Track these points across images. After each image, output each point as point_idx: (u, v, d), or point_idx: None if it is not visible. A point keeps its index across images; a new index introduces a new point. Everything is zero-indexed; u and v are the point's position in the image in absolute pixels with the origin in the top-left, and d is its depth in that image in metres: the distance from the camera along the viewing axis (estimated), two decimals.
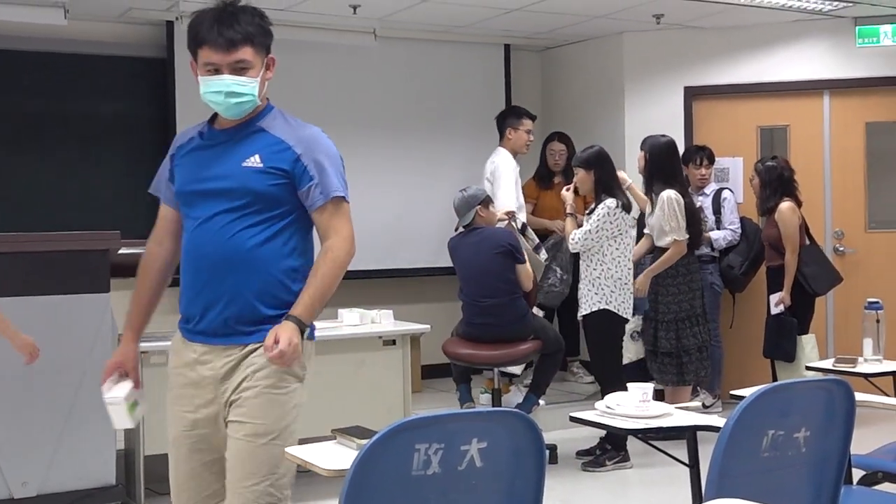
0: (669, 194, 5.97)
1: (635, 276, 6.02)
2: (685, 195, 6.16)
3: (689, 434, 3.19)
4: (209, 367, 2.92)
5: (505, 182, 6.95)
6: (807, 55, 7.77)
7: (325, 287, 2.91)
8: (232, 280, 2.88)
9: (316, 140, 2.96)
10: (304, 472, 2.88)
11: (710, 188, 7.37)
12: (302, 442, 2.99)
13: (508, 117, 7.30)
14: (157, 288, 3.11)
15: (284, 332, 2.82)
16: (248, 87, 2.92)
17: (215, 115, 3.02)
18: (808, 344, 6.53)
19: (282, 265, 2.92)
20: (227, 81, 2.88)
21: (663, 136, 6.28)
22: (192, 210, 2.94)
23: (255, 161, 2.89)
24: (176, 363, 3.01)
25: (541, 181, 7.88)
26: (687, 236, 6.05)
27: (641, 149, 6.25)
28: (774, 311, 6.56)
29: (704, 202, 7.21)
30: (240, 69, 2.92)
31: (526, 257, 5.98)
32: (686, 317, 6.07)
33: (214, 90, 2.89)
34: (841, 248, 7.74)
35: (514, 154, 7.19)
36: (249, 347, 2.92)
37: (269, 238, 2.90)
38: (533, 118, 7.33)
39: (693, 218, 6.14)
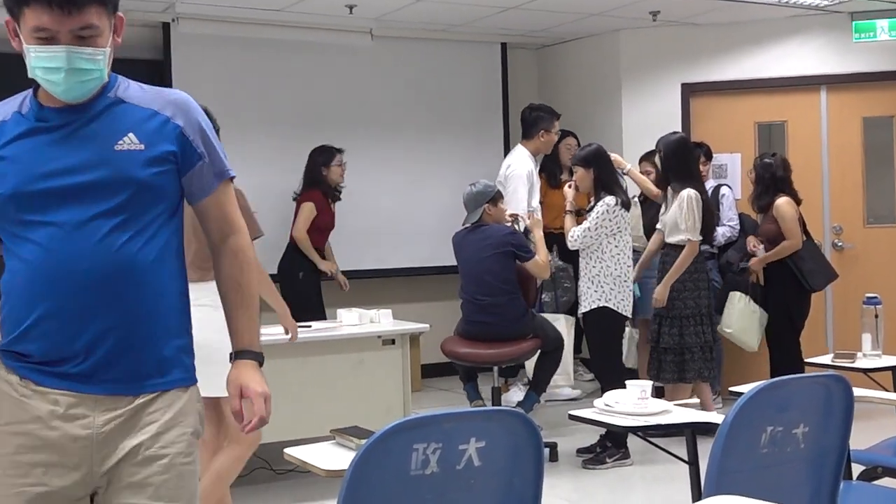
0: (690, 193, 5.92)
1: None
2: (701, 192, 6.07)
3: (687, 431, 3.19)
4: (81, 425, 2.17)
5: (520, 187, 6.76)
6: (804, 51, 7.77)
7: (256, 305, 2.40)
8: (124, 307, 2.19)
9: (189, 104, 2.33)
10: (303, 472, 2.88)
11: (709, 184, 7.36)
12: (301, 442, 2.99)
13: (544, 118, 6.86)
14: None
15: (257, 384, 2.32)
16: (96, 61, 2.19)
17: (37, 87, 2.27)
18: (739, 301, 6.57)
19: (178, 285, 2.31)
20: (70, 55, 2.15)
21: (674, 132, 6.27)
22: (46, 215, 2.18)
23: (131, 142, 2.22)
24: (9, 417, 2.20)
25: (550, 179, 7.85)
26: (700, 238, 5.98)
27: (657, 149, 6.23)
28: (742, 263, 6.71)
29: None
30: (85, 37, 2.17)
31: (536, 249, 5.98)
32: (691, 314, 5.99)
33: (50, 65, 2.16)
34: (839, 244, 7.74)
35: (536, 154, 7.02)
36: (143, 399, 2.22)
37: (162, 249, 2.26)
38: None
39: (707, 214, 6.05)
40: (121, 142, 2.21)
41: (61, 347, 2.18)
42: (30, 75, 2.21)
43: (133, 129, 2.23)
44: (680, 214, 5.93)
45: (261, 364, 2.38)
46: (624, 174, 6.38)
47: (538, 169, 7.19)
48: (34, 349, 2.20)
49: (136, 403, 2.21)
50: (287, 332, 4.72)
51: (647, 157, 6.96)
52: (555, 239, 7.18)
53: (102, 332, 2.18)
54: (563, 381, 7.13)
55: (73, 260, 2.16)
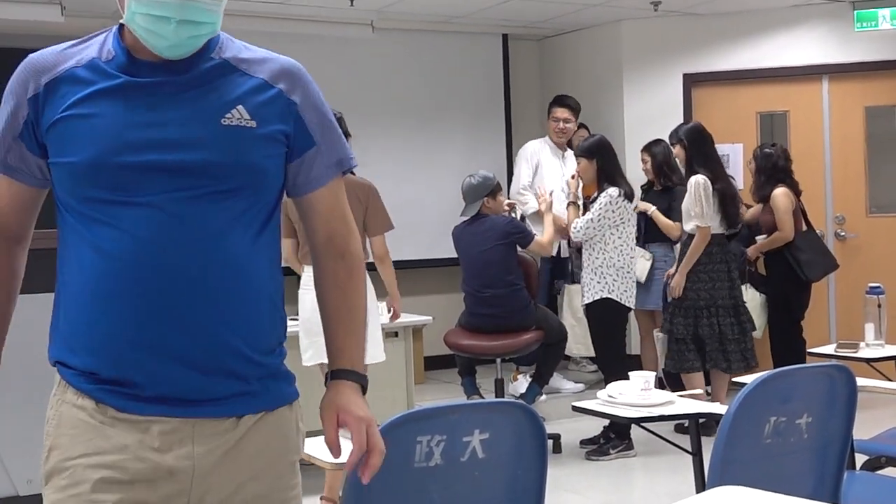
0: (698, 179, 5.87)
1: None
2: (719, 179, 5.95)
3: (691, 422, 3.20)
4: (179, 456, 1.76)
5: (521, 164, 6.99)
6: (805, 40, 7.76)
7: (363, 319, 2.01)
8: (223, 313, 1.78)
9: (305, 77, 1.93)
10: (307, 466, 2.88)
11: None
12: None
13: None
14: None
15: (358, 407, 1.90)
16: (214, 12, 1.81)
17: (121, 29, 1.85)
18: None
19: (275, 287, 1.90)
20: (185, 4, 1.75)
21: (692, 121, 6.22)
22: (136, 194, 1.75)
23: (241, 117, 1.82)
24: (86, 448, 1.76)
25: None
26: (710, 224, 5.88)
27: (673, 141, 6.18)
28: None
29: None
30: None
31: (544, 225, 6.00)
32: (705, 306, 5.91)
33: (158, 13, 1.75)
34: (842, 233, 7.74)
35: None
36: (247, 423, 1.83)
37: (265, 246, 1.87)
38: (564, 105, 7.29)
39: (727, 203, 5.93)
40: (229, 115, 1.81)
41: (149, 363, 1.75)
42: (125, 21, 1.80)
43: (243, 100, 1.83)
44: (690, 201, 5.89)
45: (364, 390, 1.95)
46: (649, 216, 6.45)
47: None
48: (112, 366, 1.75)
49: (239, 428, 1.80)
50: (389, 311, 5.16)
51: (646, 149, 6.94)
52: None
53: (199, 343, 1.76)
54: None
55: (169, 253, 1.74)
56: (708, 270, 5.93)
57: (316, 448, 2.77)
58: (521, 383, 6.42)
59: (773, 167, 6.56)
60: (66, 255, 1.82)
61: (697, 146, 5.98)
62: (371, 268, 5.04)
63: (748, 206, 7.13)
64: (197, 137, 1.78)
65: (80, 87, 1.78)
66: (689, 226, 5.95)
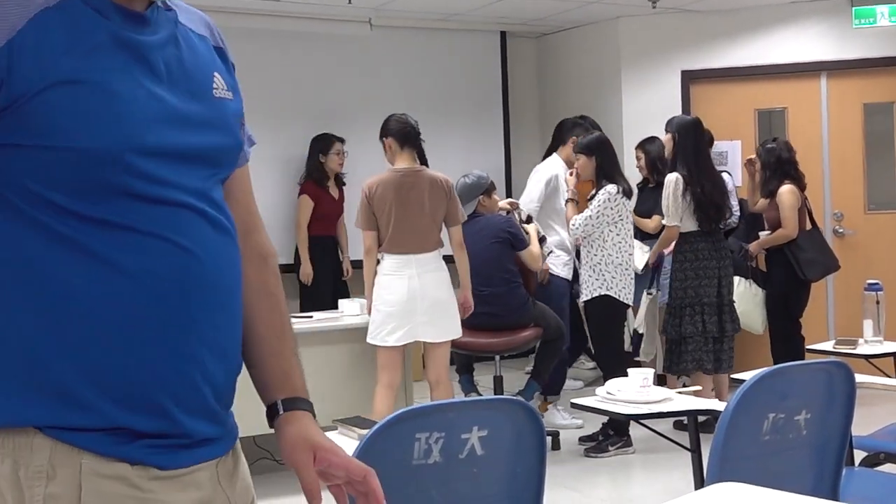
0: (671, 177, 5.87)
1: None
2: (701, 177, 5.86)
3: (690, 418, 3.20)
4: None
5: (535, 186, 6.64)
6: (804, 37, 7.76)
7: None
8: (237, 331, 1.51)
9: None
10: None
11: None
12: None
13: (579, 124, 6.80)
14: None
15: (336, 447, 1.59)
16: None
17: None
18: (739, 285, 6.48)
19: None
20: None
21: (687, 115, 6.19)
22: (167, 189, 1.38)
23: (222, 88, 1.53)
24: None
25: None
26: (676, 223, 5.85)
27: (667, 130, 6.15)
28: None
29: None
30: None
31: (530, 240, 5.98)
32: (690, 304, 5.89)
33: None
34: (840, 230, 7.74)
35: (568, 161, 6.70)
36: (233, 455, 1.53)
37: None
38: None
39: (706, 202, 5.85)
40: (215, 85, 1.51)
41: (193, 403, 1.41)
42: None
43: (216, 67, 1.54)
44: (665, 199, 5.90)
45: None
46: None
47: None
48: (153, 415, 1.36)
49: (231, 460, 1.52)
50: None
51: (640, 146, 6.93)
52: None
53: (224, 370, 1.47)
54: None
55: (209, 267, 1.41)
56: (695, 268, 5.91)
57: None
58: (552, 414, 6.33)
59: (777, 160, 6.54)
60: (32, 275, 1.32)
61: (684, 140, 5.93)
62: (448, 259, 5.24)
63: (745, 200, 7.12)
64: (203, 113, 1.47)
65: (66, 40, 1.32)
66: (663, 221, 6.00)
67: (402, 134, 5.27)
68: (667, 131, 6.11)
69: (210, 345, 1.41)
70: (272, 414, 1.60)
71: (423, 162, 5.35)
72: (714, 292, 5.92)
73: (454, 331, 5.30)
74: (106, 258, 1.34)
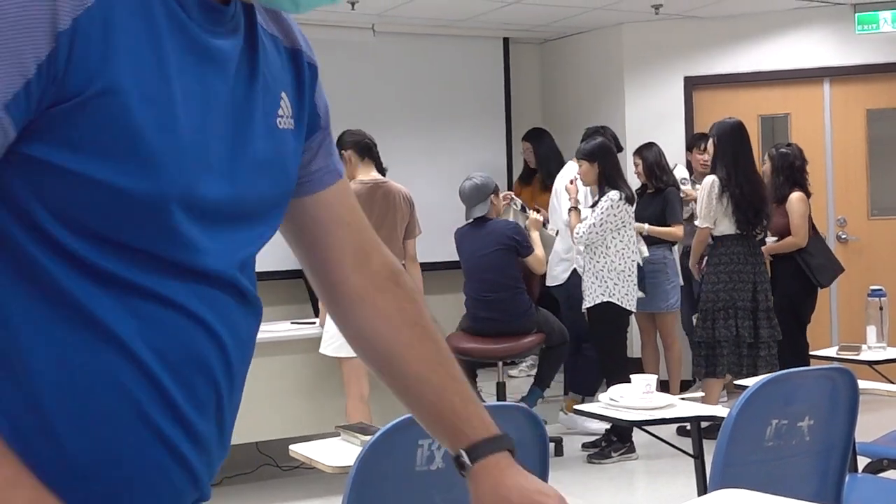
0: (707, 179, 5.88)
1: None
2: (740, 182, 5.82)
3: (692, 424, 3.20)
4: None
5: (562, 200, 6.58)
6: (806, 43, 7.76)
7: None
8: (234, 414, 1.21)
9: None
10: (309, 469, 2.88)
11: (711, 177, 7.35)
12: (306, 438, 2.99)
13: (604, 133, 6.60)
14: None
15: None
16: None
17: None
18: None
19: None
20: None
21: (730, 118, 6.10)
22: (198, 252, 1.08)
23: (287, 117, 1.24)
24: None
25: (523, 180, 8.08)
26: (709, 225, 5.85)
27: (710, 135, 6.14)
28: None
29: None
30: None
31: (534, 243, 5.99)
32: (724, 307, 5.84)
33: None
34: (844, 236, 7.73)
35: None
36: None
37: None
38: None
39: (745, 205, 5.81)
40: (280, 112, 1.22)
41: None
42: None
43: (283, 85, 1.25)
44: (700, 200, 5.91)
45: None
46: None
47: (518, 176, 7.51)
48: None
49: None
50: None
51: (637, 152, 6.93)
52: None
53: (213, 465, 1.18)
54: None
55: (236, 356, 1.15)
56: (729, 271, 5.87)
57: (317, 451, 2.78)
58: (577, 416, 6.27)
59: (791, 167, 6.52)
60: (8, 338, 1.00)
61: (724, 145, 5.92)
62: None
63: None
64: (267, 154, 1.17)
65: (134, 33, 1.00)
66: (696, 222, 6.00)
67: (360, 146, 5.28)
68: (710, 135, 6.15)
69: (206, 442, 1.13)
70: (460, 465, 1.33)
71: (383, 174, 5.37)
72: (749, 297, 5.87)
73: None
74: (142, 335, 1.04)
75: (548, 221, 6.54)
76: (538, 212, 6.40)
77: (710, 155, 6.09)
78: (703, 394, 5.73)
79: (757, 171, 6.12)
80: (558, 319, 6.19)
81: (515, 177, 8.45)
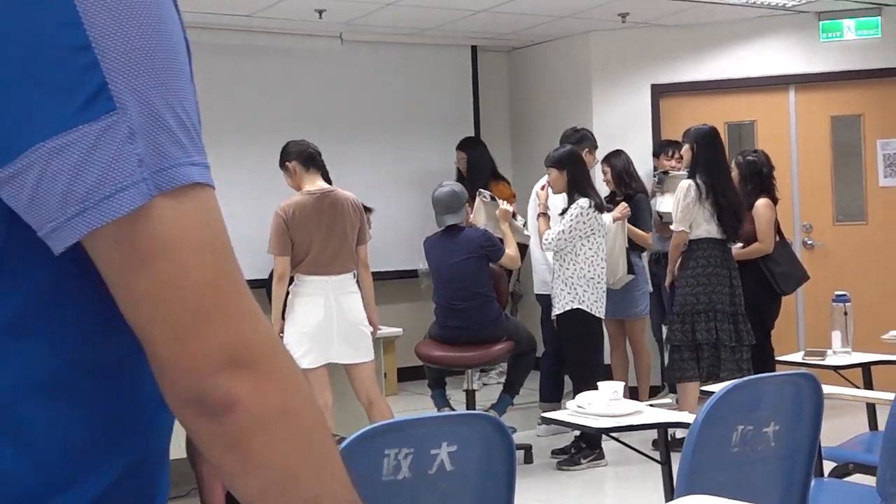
0: (684, 183, 5.86)
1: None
2: (720, 188, 5.84)
3: (659, 431, 3.21)
4: None
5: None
6: (772, 50, 7.83)
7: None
8: None
9: None
10: None
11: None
12: None
13: (588, 137, 6.68)
14: None
15: None
16: None
17: None
18: None
19: None
20: None
21: (704, 124, 6.11)
22: None
23: None
24: None
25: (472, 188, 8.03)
26: (684, 228, 5.83)
27: (684, 141, 6.15)
28: None
29: None
30: None
31: (506, 237, 6.00)
32: (703, 310, 5.84)
33: None
34: (810, 242, 7.80)
35: None
36: None
37: None
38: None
39: (729, 211, 5.85)
40: None
41: None
42: None
43: None
44: (675, 203, 5.90)
45: None
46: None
47: None
48: None
49: None
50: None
51: (605, 160, 6.94)
52: None
53: None
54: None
55: None
56: (707, 274, 5.87)
57: None
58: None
59: (759, 174, 6.54)
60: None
61: (705, 150, 5.92)
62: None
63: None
64: None
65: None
66: (671, 226, 5.99)
67: (304, 156, 5.29)
68: (684, 142, 6.14)
69: None
70: None
71: (329, 182, 5.38)
72: (727, 300, 5.88)
73: (369, 352, 5.33)
74: None
75: (516, 213, 6.52)
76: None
77: (687, 160, 6.08)
78: (670, 400, 5.74)
79: (732, 177, 6.16)
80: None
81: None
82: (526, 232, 6.46)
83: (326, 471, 0.95)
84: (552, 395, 6.51)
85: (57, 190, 0.85)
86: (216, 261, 0.91)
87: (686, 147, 6.05)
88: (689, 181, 5.87)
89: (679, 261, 6.00)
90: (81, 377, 0.93)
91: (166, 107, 0.89)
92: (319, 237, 5.16)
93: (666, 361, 6.29)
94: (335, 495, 0.95)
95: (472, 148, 7.97)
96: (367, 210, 7.19)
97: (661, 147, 7.46)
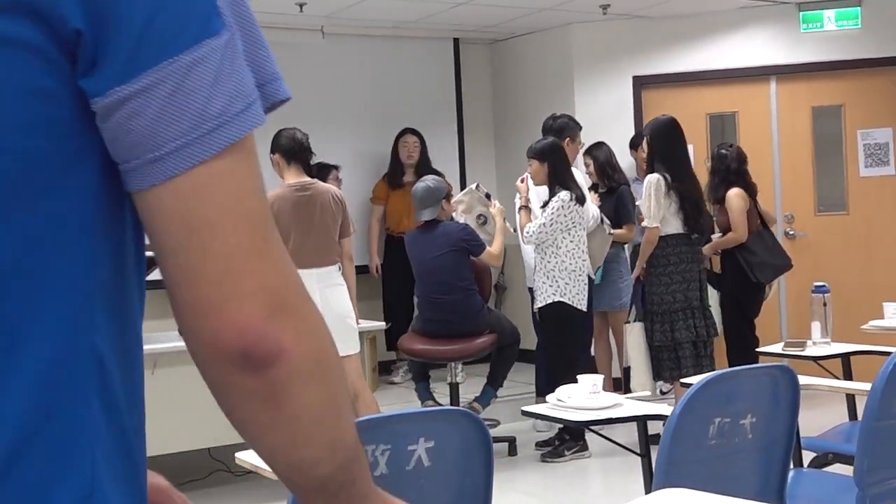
0: (651, 178, 5.81)
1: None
2: (681, 180, 5.83)
3: (639, 423, 3.22)
4: None
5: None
6: (753, 42, 7.85)
7: None
8: None
9: None
10: (252, 475, 2.87)
11: None
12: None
13: (569, 126, 6.50)
14: None
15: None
16: None
17: None
18: None
19: None
20: None
21: (664, 115, 6.08)
22: None
23: None
24: None
25: (392, 180, 7.98)
26: (657, 224, 5.79)
27: (643, 134, 6.12)
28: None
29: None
30: None
31: (497, 233, 6.02)
32: (680, 308, 5.82)
33: None
34: (792, 232, 7.83)
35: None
36: None
37: None
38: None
39: (689, 202, 5.83)
40: None
41: None
42: None
43: None
44: (642, 199, 5.87)
45: None
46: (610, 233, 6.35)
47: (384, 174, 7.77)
48: None
49: None
50: None
51: (587, 152, 6.95)
52: (396, 242, 7.24)
53: None
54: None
55: None
56: (681, 271, 5.85)
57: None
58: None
59: (727, 170, 6.56)
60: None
61: (661, 143, 5.89)
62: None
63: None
64: None
65: None
66: (644, 223, 5.94)
67: (288, 150, 5.30)
68: (643, 135, 6.12)
69: None
70: None
71: (311, 175, 5.39)
72: (698, 296, 5.88)
73: (356, 345, 5.36)
74: None
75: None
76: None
77: (646, 153, 6.06)
78: (648, 392, 5.75)
79: (692, 168, 6.12)
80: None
81: (468, 178, 8.44)
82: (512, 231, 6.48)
83: (343, 414, 0.94)
84: (548, 389, 6.45)
85: (193, 105, 0.82)
86: (263, 188, 0.89)
87: (645, 141, 6.04)
88: (656, 175, 5.81)
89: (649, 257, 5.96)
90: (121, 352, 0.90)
91: (249, 22, 0.91)
92: (299, 231, 5.17)
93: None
94: (345, 438, 0.95)
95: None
96: (334, 168, 7.21)
97: (639, 139, 7.46)
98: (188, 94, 0.82)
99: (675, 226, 5.86)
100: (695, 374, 5.61)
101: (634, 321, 6.07)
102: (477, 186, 6.53)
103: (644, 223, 5.86)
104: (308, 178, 5.34)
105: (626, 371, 6.52)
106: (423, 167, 7.70)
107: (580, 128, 6.63)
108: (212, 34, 0.84)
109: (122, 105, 0.81)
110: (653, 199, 5.78)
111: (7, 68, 0.79)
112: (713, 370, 5.63)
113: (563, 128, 6.49)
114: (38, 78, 0.80)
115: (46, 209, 0.82)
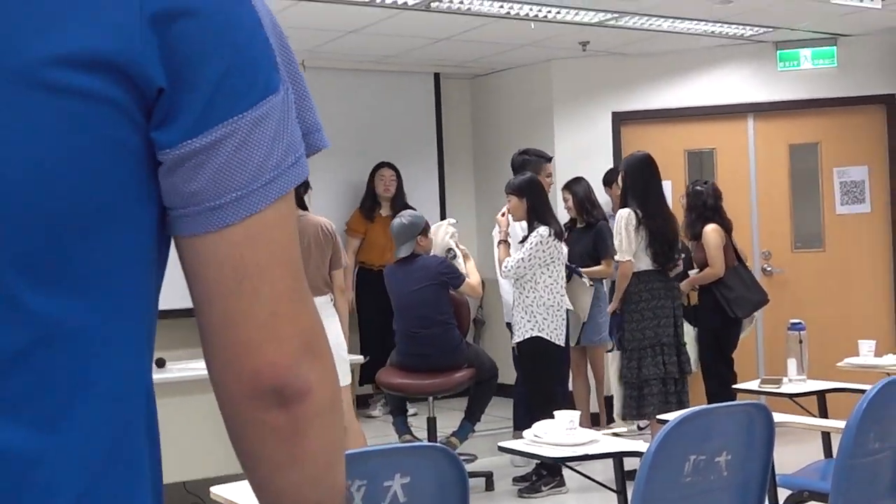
0: (622, 212, 5.85)
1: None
2: (653, 216, 5.86)
3: (615, 460, 3.23)
4: None
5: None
6: (731, 79, 7.93)
7: None
8: None
9: None
10: None
11: None
12: (234, 478, 2.96)
13: (530, 161, 6.45)
14: None
15: None
16: None
17: None
18: None
19: None
20: None
21: (639, 151, 6.13)
22: None
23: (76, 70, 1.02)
24: None
25: (368, 213, 8.00)
26: (629, 259, 5.80)
27: (619, 169, 6.15)
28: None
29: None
30: None
31: (466, 270, 6.02)
32: (650, 345, 5.81)
33: None
34: (769, 268, 7.87)
35: None
36: None
37: None
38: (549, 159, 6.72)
39: (660, 238, 5.85)
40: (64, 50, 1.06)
41: None
42: None
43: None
44: (616, 235, 5.90)
45: None
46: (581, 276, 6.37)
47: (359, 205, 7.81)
48: None
49: None
50: None
51: (566, 187, 6.98)
52: (374, 276, 7.24)
53: None
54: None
55: None
56: (652, 307, 5.85)
57: (239, 492, 2.75)
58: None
59: (703, 206, 6.62)
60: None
61: (635, 178, 5.92)
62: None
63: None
64: None
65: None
66: (616, 257, 5.96)
67: None
68: (619, 170, 6.16)
69: None
70: None
71: (304, 207, 5.38)
72: (672, 332, 5.87)
73: (347, 377, 5.33)
74: None
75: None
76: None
77: (620, 189, 6.10)
78: (625, 429, 5.75)
79: (667, 205, 6.15)
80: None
81: (448, 212, 8.46)
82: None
83: (342, 459, 0.97)
84: (526, 423, 6.44)
85: (255, 158, 0.87)
86: (298, 235, 0.94)
87: (620, 176, 6.09)
88: (628, 210, 5.84)
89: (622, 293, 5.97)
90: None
91: (296, 73, 0.96)
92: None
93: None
94: (343, 482, 0.98)
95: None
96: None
97: (613, 175, 7.46)
98: (251, 149, 0.87)
99: (645, 262, 5.87)
100: (661, 412, 5.53)
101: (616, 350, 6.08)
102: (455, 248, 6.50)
103: (617, 257, 5.89)
104: (300, 211, 5.33)
105: (608, 400, 6.52)
106: (399, 201, 7.73)
107: (546, 160, 6.58)
108: (273, 91, 0.89)
109: (191, 157, 0.86)
110: (623, 233, 5.81)
111: (89, 122, 0.82)
112: (685, 408, 5.66)
113: (523, 164, 6.45)
114: (114, 129, 0.84)
115: (117, 250, 0.87)
